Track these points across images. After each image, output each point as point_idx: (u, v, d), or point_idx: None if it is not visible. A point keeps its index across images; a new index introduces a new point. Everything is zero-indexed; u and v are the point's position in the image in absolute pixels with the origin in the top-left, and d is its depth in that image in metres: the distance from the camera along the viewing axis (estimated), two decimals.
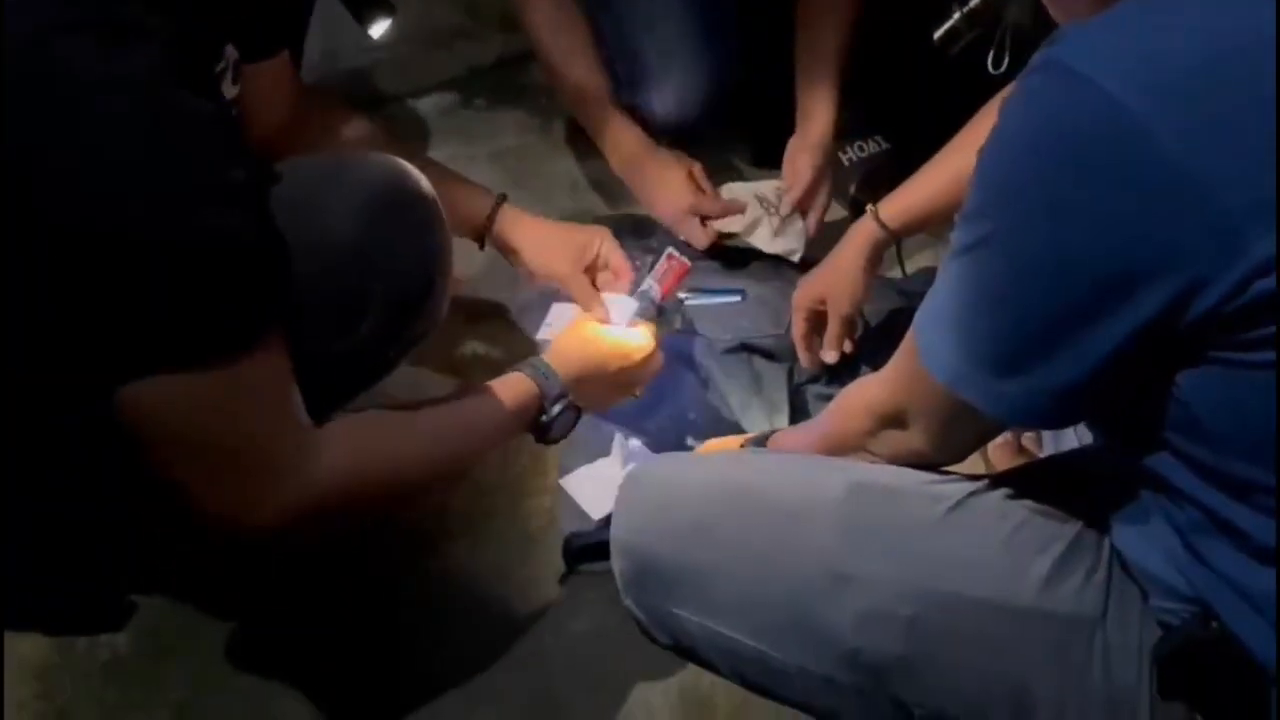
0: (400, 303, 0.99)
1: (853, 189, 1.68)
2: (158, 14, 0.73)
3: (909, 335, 0.77)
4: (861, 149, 1.76)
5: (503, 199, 1.33)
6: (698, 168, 1.55)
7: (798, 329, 1.37)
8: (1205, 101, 0.58)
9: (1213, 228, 0.57)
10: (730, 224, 1.52)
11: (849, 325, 1.35)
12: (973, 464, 1.31)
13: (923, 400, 0.80)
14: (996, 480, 0.85)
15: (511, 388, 1.06)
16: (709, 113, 1.57)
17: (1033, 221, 0.63)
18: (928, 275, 1.53)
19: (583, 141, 1.66)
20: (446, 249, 1.04)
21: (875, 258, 1.32)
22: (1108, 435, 0.76)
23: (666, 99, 1.55)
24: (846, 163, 1.73)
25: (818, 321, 1.36)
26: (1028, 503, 0.82)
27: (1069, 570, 0.77)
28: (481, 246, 1.34)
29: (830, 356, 1.36)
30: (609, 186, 1.68)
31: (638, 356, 1.21)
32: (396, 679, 1.17)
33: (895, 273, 1.49)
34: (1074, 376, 0.65)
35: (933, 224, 1.33)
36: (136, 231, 0.70)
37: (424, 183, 1.02)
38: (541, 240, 1.32)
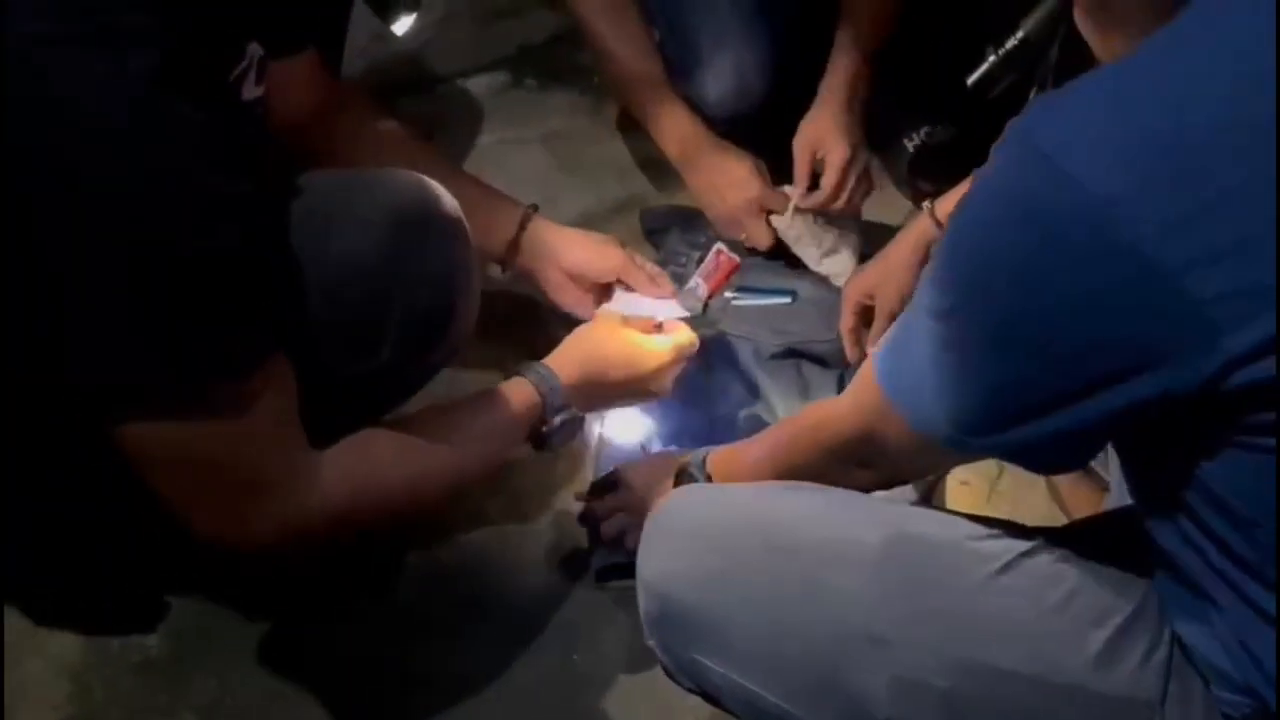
0: (421, 327, 0.96)
1: (905, 172, 1.60)
2: (158, 18, 0.70)
3: (868, 375, 0.75)
4: (929, 135, 1.67)
5: (534, 209, 1.28)
6: (761, 163, 1.46)
7: (845, 322, 1.32)
8: (1177, 184, 0.53)
9: (1184, 318, 0.55)
10: (782, 224, 1.43)
11: None
12: (1040, 495, 1.26)
13: (890, 440, 0.77)
14: (1050, 537, 0.78)
15: (513, 396, 1.02)
16: (768, 99, 1.47)
17: (1000, 297, 0.60)
18: None
19: (634, 125, 1.59)
20: (471, 272, 1.00)
21: (929, 256, 1.25)
22: (1144, 509, 0.69)
23: (722, 84, 1.45)
24: (911, 149, 1.64)
25: (867, 316, 1.30)
26: (1084, 566, 0.75)
27: (1126, 647, 0.71)
28: (504, 269, 1.27)
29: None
30: (659, 172, 1.62)
31: (648, 365, 1.14)
32: (422, 692, 1.15)
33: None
34: (1053, 441, 0.63)
35: None
36: (111, 252, 0.68)
37: (449, 201, 0.98)
38: (582, 243, 1.28)
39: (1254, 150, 0.52)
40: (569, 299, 1.27)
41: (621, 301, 1.26)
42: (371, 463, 0.89)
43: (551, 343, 1.14)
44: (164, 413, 0.73)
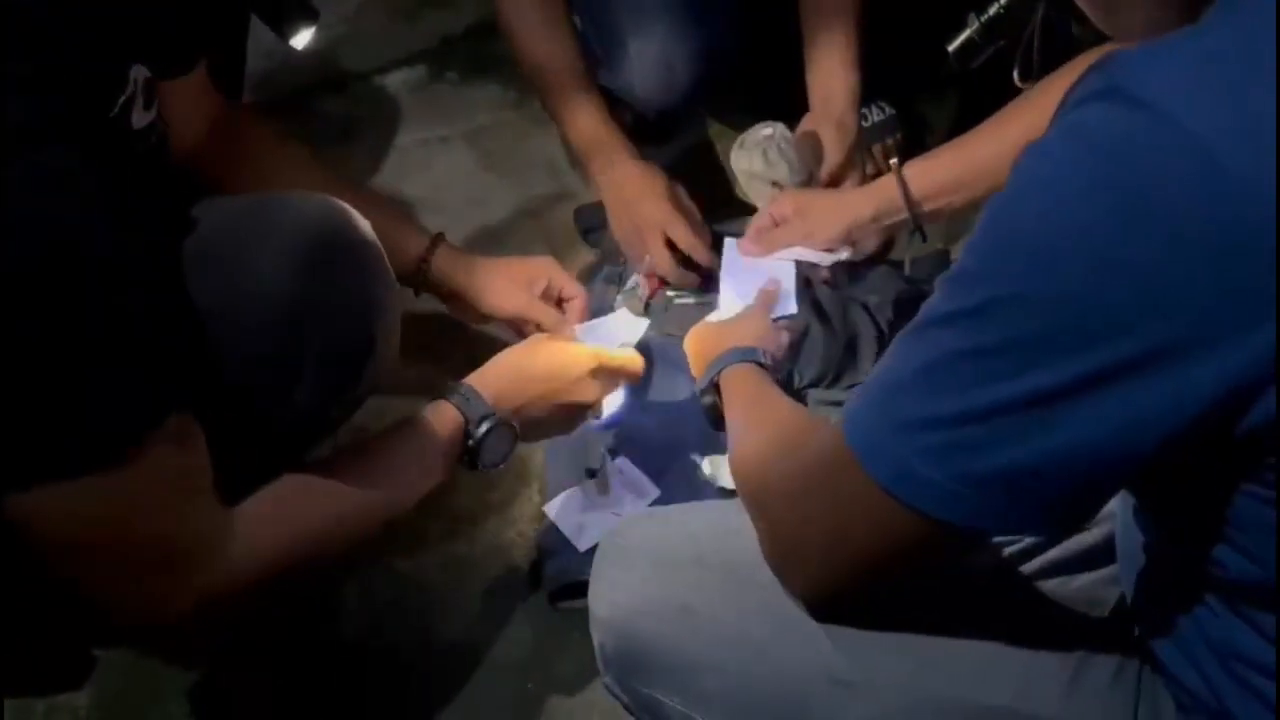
0: (339, 361, 0.90)
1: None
2: (24, 58, 0.64)
3: (833, 430, 0.63)
4: (864, 117, 1.63)
5: (439, 238, 1.22)
6: (681, 189, 1.36)
7: (759, 218, 1.25)
8: None
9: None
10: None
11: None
12: None
13: (830, 509, 0.64)
14: (1015, 555, 0.76)
15: (435, 419, 0.96)
16: (697, 92, 1.42)
17: (1070, 282, 0.51)
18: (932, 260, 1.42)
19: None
20: (390, 301, 0.95)
21: (879, 213, 1.20)
22: (1157, 522, 0.66)
23: (649, 77, 1.38)
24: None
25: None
26: (1051, 586, 0.73)
27: (1094, 671, 0.69)
28: (416, 293, 1.23)
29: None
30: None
31: (569, 374, 1.06)
32: None
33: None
34: (1065, 461, 0.54)
35: (952, 206, 1.20)
36: None
37: (364, 226, 0.92)
38: (489, 276, 1.22)
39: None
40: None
41: (581, 331, 1.20)
42: (291, 511, 0.84)
43: (482, 359, 1.08)
44: (57, 486, 0.67)
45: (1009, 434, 0.54)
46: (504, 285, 1.21)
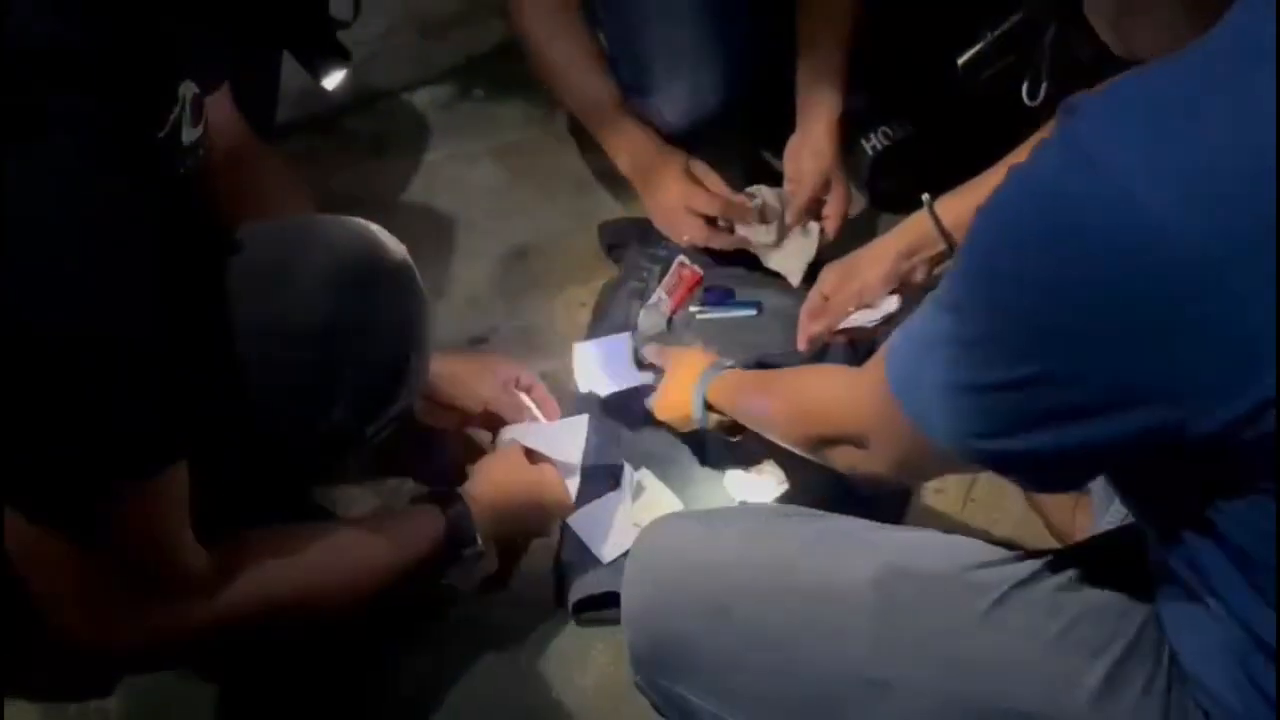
0: (372, 385, 0.92)
1: (866, 175, 1.56)
2: (83, 89, 0.65)
3: (877, 363, 0.71)
4: (887, 135, 1.64)
5: None
6: (699, 164, 1.42)
7: (807, 305, 1.26)
8: (1236, 205, 0.50)
9: (1230, 348, 0.52)
10: (751, 231, 1.40)
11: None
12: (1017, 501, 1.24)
13: (889, 431, 0.72)
14: (1044, 565, 0.76)
15: (421, 521, 0.98)
16: (725, 113, 1.45)
17: (1023, 300, 0.57)
18: None
19: (589, 134, 1.55)
20: (423, 322, 0.96)
21: (915, 247, 1.20)
22: (1158, 538, 0.67)
23: (678, 105, 1.42)
24: (870, 151, 1.61)
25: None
26: (1080, 595, 0.74)
27: (1126, 679, 0.69)
28: None
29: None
30: (617, 183, 1.58)
31: (549, 497, 1.13)
32: None
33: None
34: (1058, 456, 0.59)
35: None
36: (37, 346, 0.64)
37: (395, 248, 0.93)
38: (454, 370, 1.18)
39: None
40: (439, 422, 1.21)
41: (518, 431, 1.19)
42: (263, 572, 0.83)
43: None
44: (54, 506, 0.69)
45: (1012, 421, 0.60)
46: (471, 377, 1.19)
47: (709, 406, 1.07)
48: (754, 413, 1.00)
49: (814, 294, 1.26)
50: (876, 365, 0.71)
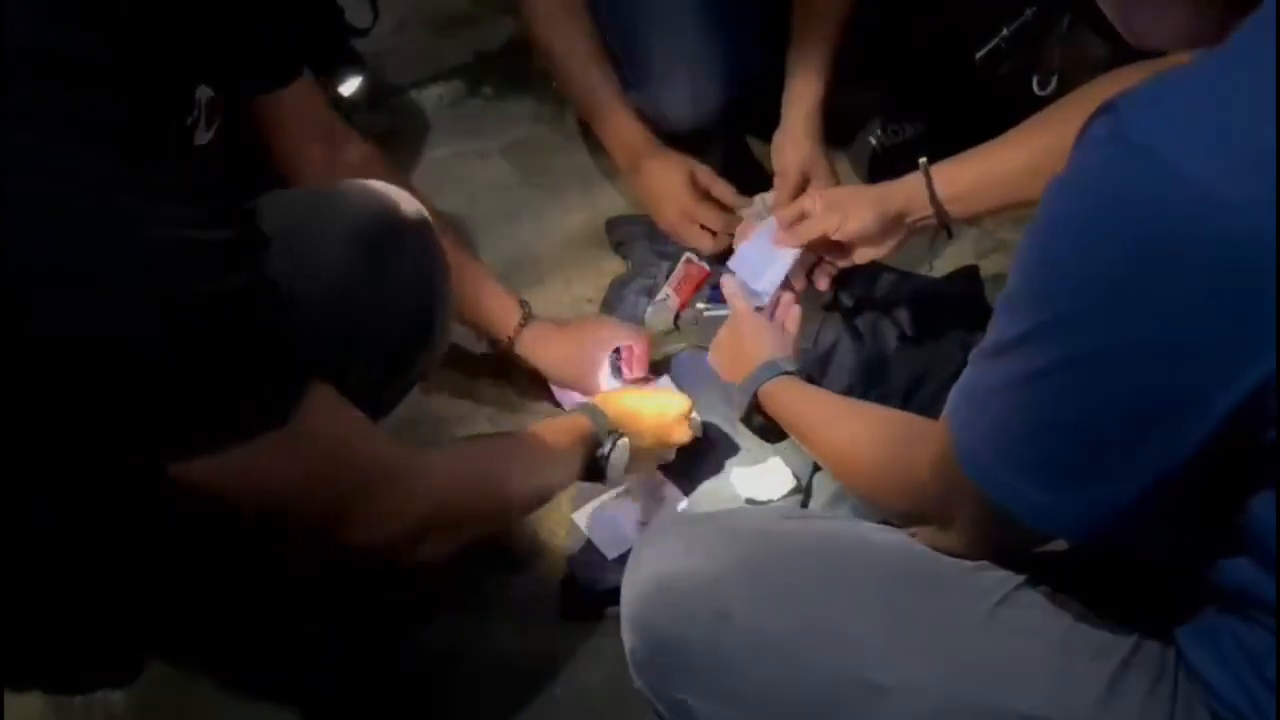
0: (397, 346, 0.92)
1: (867, 170, 1.56)
2: (111, 89, 0.66)
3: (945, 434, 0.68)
4: (894, 133, 1.64)
5: (528, 316, 1.28)
6: (703, 170, 1.42)
7: (788, 211, 1.23)
8: None
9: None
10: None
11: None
12: None
13: (963, 504, 0.70)
14: (1048, 566, 0.76)
15: (572, 427, 1.05)
16: (726, 112, 1.45)
17: (1095, 314, 0.55)
18: (964, 276, 1.42)
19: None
20: (444, 276, 0.97)
21: (905, 208, 1.17)
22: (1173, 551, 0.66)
23: (678, 102, 1.42)
24: (879, 149, 1.61)
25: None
26: (1083, 595, 0.73)
27: (1131, 679, 0.69)
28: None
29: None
30: (625, 180, 1.57)
31: (672, 413, 1.17)
32: None
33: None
34: (1129, 491, 0.57)
35: (975, 210, 1.18)
36: (137, 337, 0.65)
37: (416, 208, 0.94)
38: (562, 359, 1.28)
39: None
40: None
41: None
42: (468, 465, 0.92)
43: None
44: (242, 460, 0.70)
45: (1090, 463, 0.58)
46: (575, 366, 1.27)
47: (757, 407, 1.07)
48: (817, 452, 0.98)
49: (795, 207, 1.23)
50: (945, 441, 0.67)
